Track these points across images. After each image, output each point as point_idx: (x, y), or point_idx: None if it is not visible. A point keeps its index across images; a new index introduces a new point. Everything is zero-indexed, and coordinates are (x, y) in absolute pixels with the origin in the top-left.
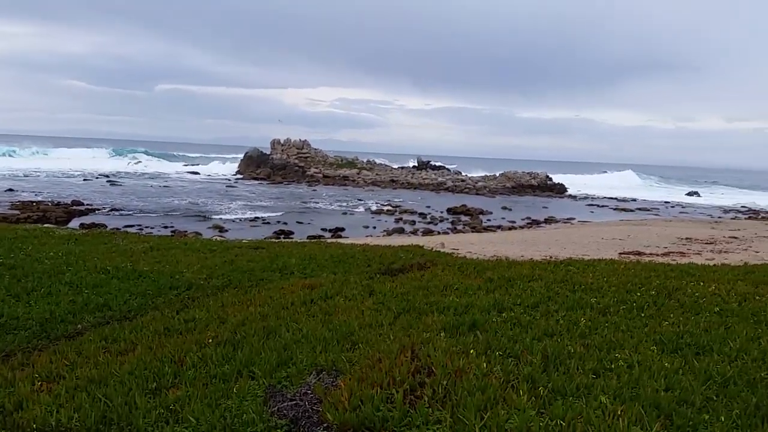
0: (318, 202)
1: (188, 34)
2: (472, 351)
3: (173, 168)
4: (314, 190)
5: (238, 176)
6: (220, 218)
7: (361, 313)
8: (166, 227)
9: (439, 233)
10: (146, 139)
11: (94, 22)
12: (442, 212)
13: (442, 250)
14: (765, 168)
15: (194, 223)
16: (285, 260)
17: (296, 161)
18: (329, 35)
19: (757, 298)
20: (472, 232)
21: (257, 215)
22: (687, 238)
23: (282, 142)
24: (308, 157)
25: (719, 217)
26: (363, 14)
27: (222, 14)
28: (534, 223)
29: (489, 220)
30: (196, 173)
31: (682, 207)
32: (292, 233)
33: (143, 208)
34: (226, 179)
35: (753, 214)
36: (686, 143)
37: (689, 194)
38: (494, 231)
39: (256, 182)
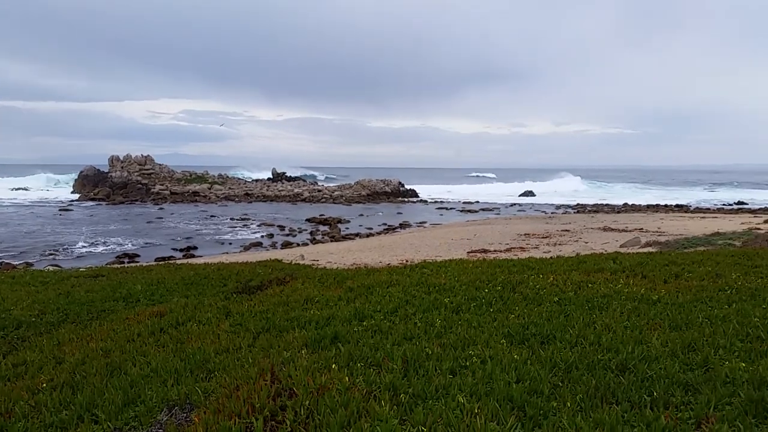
0: (165, 221)
1: (4, 42)
2: (334, 365)
3: None
4: (161, 209)
5: (74, 198)
6: (55, 245)
7: (216, 337)
8: None
9: (298, 245)
10: None
11: None
12: (300, 223)
13: (301, 263)
14: (589, 165)
15: (24, 253)
16: (129, 287)
17: (139, 178)
18: (170, 43)
19: (590, 285)
20: (332, 241)
21: (97, 239)
22: (526, 234)
23: (121, 158)
24: (152, 173)
25: (552, 213)
26: (204, 21)
27: (43, 20)
28: (390, 229)
29: (347, 228)
30: (24, 188)
31: (520, 206)
32: (138, 256)
33: None
34: (59, 202)
35: (581, 208)
36: (520, 147)
37: (524, 194)
38: (353, 239)
39: (94, 203)
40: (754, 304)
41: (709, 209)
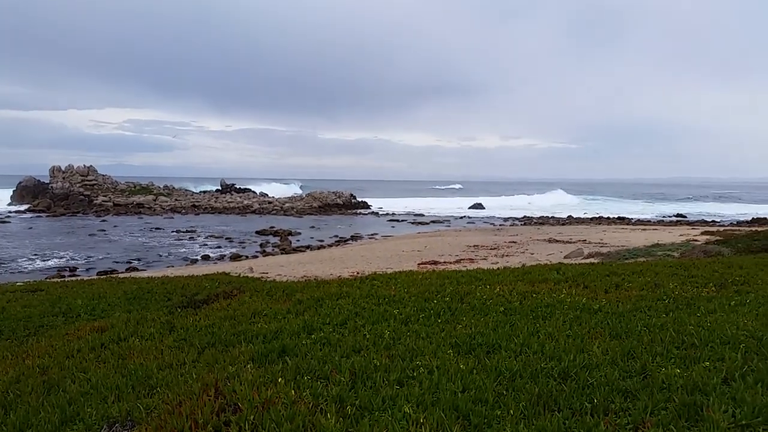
0: (108, 234)
1: None
2: (280, 379)
3: None
4: (103, 221)
5: (12, 209)
6: None
7: (160, 353)
8: None
9: (247, 257)
10: None
11: None
12: (250, 236)
13: (250, 275)
14: (537, 178)
15: None
16: (69, 302)
17: (81, 190)
18: (114, 50)
19: (534, 295)
20: (282, 253)
21: (36, 253)
22: (475, 246)
23: (63, 169)
24: (95, 184)
25: (501, 225)
26: (149, 28)
27: None
28: (341, 241)
29: (298, 240)
30: None
31: (469, 218)
32: (78, 270)
33: None
34: None
35: (527, 220)
36: (470, 160)
37: (473, 206)
38: (304, 251)
39: (34, 215)
40: (690, 313)
41: (649, 221)
